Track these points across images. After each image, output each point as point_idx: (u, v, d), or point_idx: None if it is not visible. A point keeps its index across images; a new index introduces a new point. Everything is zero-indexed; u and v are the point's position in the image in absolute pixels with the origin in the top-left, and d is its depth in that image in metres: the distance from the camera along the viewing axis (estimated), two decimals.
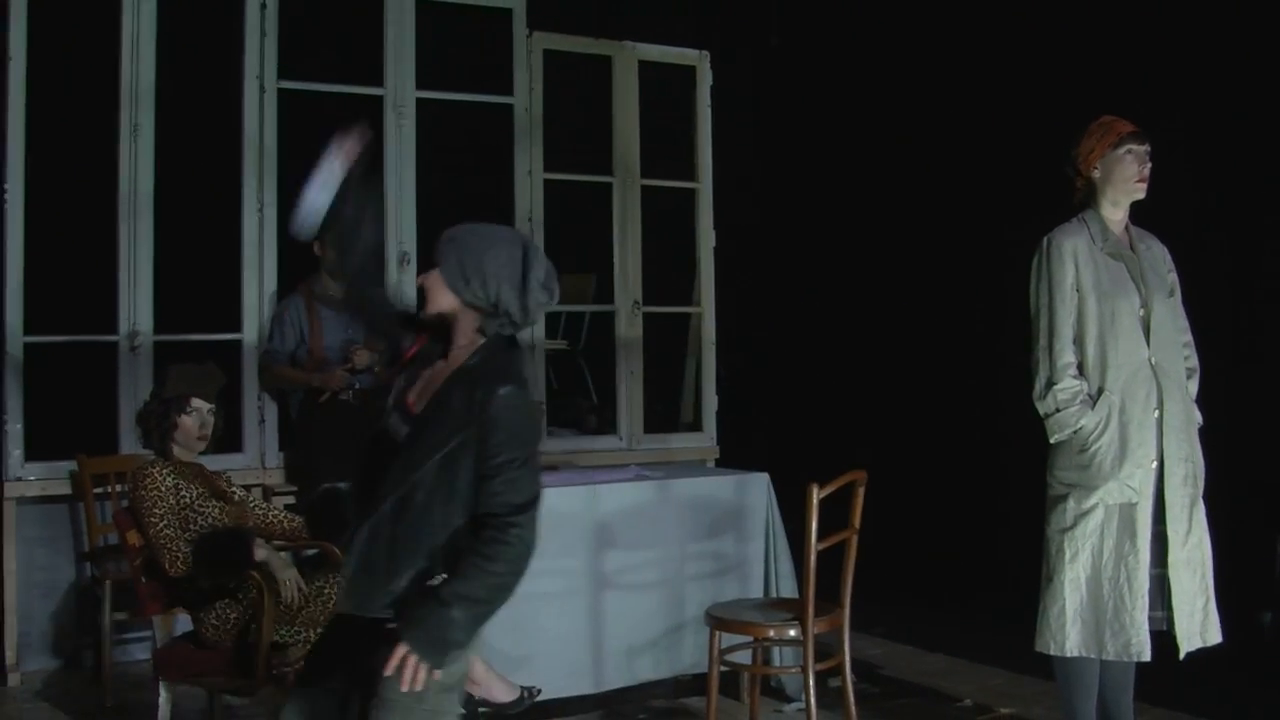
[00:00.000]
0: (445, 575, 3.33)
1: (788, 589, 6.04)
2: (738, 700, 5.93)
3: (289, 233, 3.85)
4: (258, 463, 7.29)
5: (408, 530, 3.33)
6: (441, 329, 3.54)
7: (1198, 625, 4.74)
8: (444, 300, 3.48)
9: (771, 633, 4.99)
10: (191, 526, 4.79)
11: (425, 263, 3.56)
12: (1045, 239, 4.85)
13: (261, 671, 4.62)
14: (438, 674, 3.27)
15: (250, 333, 7.27)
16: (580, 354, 9.62)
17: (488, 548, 3.30)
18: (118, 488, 6.46)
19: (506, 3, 8.14)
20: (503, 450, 3.32)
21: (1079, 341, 4.77)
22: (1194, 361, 4.96)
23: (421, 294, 3.54)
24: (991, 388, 7.97)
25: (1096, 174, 4.84)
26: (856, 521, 5.04)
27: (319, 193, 3.69)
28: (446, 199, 8.29)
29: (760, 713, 5.55)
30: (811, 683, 4.88)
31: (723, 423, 8.80)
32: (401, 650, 3.21)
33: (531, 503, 3.37)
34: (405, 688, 3.22)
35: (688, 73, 8.87)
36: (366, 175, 3.84)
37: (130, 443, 6.66)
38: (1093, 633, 4.71)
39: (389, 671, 3.22)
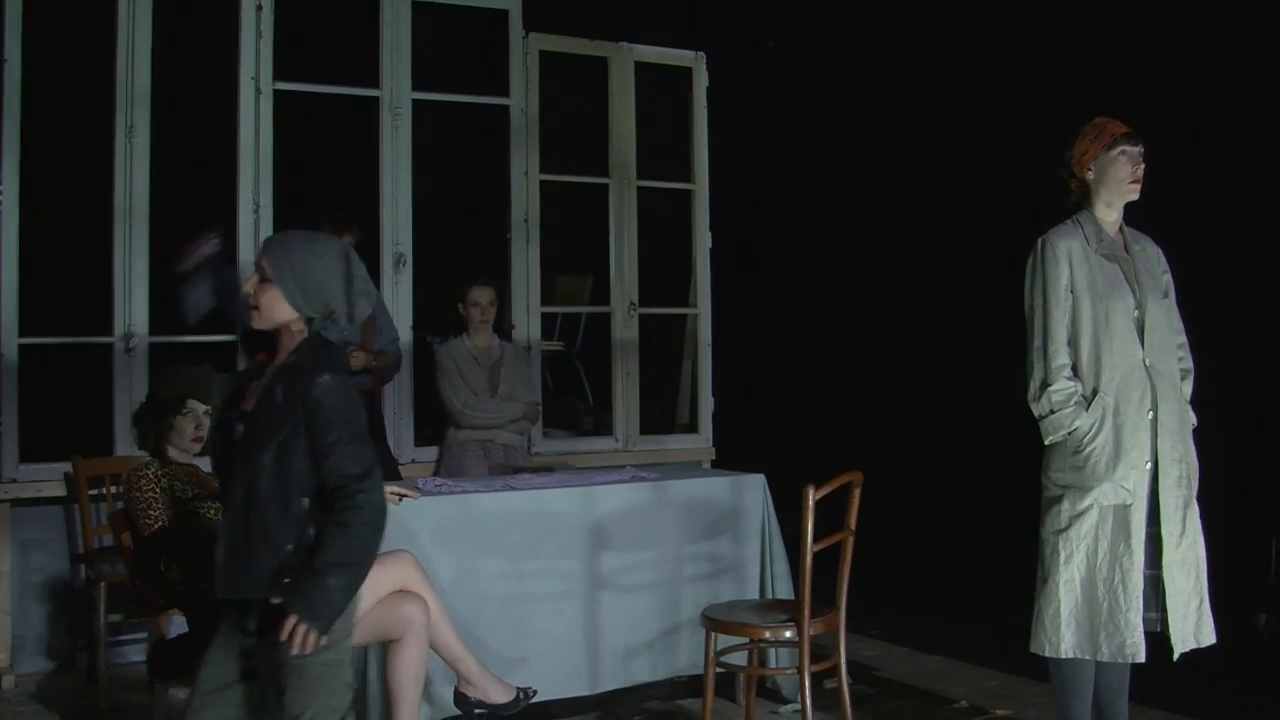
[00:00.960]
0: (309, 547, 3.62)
1: (784, 590, 6.05)
2: (734, 702, 5.92)
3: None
4: None
5: (257, 517, 3.60)
6: (270, 336, 3.80)
7: (1191, 626, 4.74)
8: (282, 313, 3.73)
9: (767, 634, 4.99)
10: (186, 528, 4.79)
11: (258, 273, 3.75)
12: (1040, 240, 4.86)
13: None
14: (324, 639, 3.56)
15: None
16: (576, 355, 9.63)
17: (342, 515, 3.57)
18: (113, 489, 6.46)
19: (502, 4, 8.14)
20: (329, 430, 3.59)
21: (1073, 343, 4.77)
22: (1188, 363, 4.96)
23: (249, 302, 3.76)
24: (986, 389, 7.99)
25: (1090, 175, 4.85)
26: (853, 523, 5.04)
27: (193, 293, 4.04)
28: (442, 201, 8.30)
29: (756, 714, 5.55)
30: (807, 684, 4.87)
31: (719, 424, 8.81)
32: (291, 620, 3.49)
33: (368, 472, 3.62)
34: (296, 651, 3.50)
35: (684, 74, 8.88)
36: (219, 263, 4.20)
37: (125, 444, 6.66)
38: (1088, 634, 4.71)
39: (284, 637, 3.50)
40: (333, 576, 3.53)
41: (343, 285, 3.74)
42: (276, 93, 7.41)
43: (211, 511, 4.88)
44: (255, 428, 3.63)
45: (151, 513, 4.76)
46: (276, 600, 3.57)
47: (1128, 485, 4.66)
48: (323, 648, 3.57)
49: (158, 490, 4.80)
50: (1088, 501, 4.70)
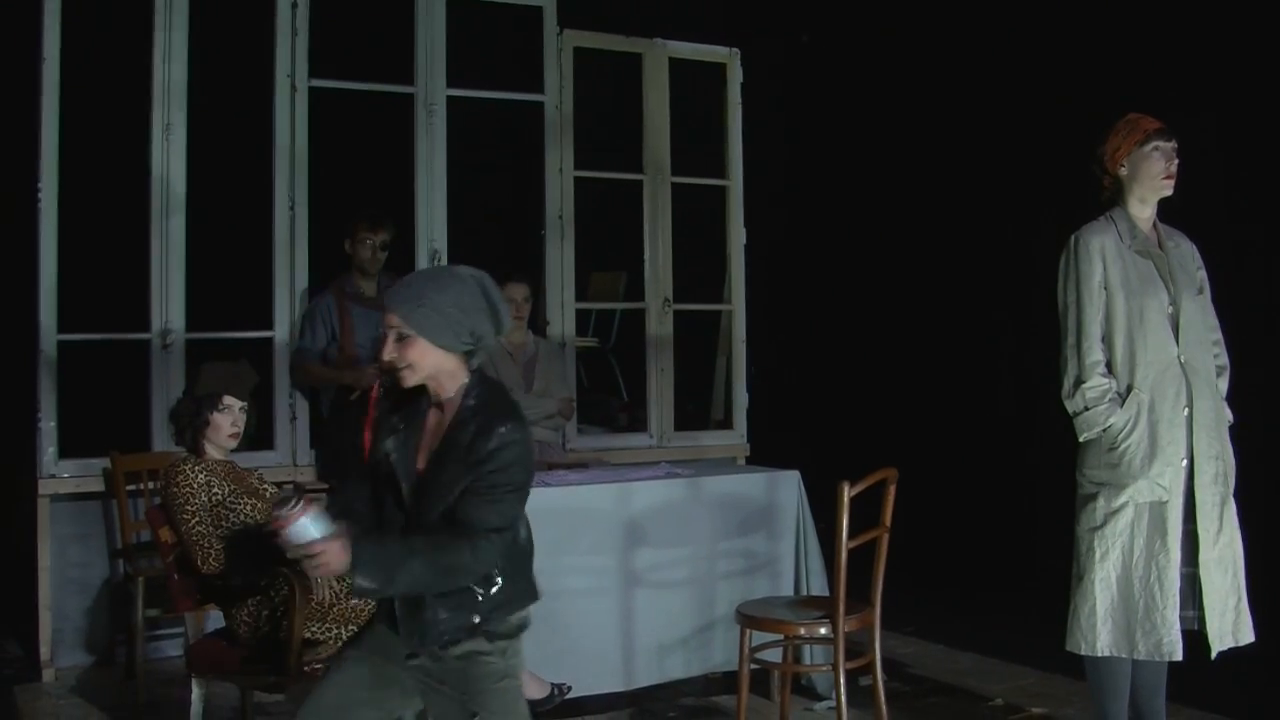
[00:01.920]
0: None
1: (818, 587, 6.04)
2: (768, 699, 5.92)
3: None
4: (289, 460, 7.31)
5: None
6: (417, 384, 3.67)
7: (1229, 624, 4.72)
8: (435, 359, 3.61)
9: (802, 631, 4.98)
10: (224, 524, 4.81)
11: (391, 335, 3.61)
12: (1073, 237, 4.85)
13: (293, 668, 4.64)
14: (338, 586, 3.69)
15: (282, 331, 7.30)
16: (611, 352, 9.64)
17: (466, 544, 3.48)
18: (150, 485, 6.50)
19: (537, 0, 8.14)
20: (495, 477, 3.52)
21: (1107, 339, 4.76)
22: (1224, 359, 4.94)
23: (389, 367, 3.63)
24: (1021, 386, 7.97)
25: (1124, 172, 4.83)
26: (887, 519, 5.02)
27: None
28: (477, 197, 8.31)
29: (791, 711, 5.54)
30: (842, 681, 4.87)
31: (753, 420, 8.79)
32: (342, 549, 3.38)
33: (504, 528, 3.55)
34: (314, 572, 3.48)
35: (718, 70, 8.86)
36: None
37: (163, 440, 6.70)
38: (1124, 632, 4.70)
39: (317, 556, 3.37)
40: (419, 564, 3.44)
41: (484, 308, 3.63)
42: (312, 90, 7.43)
43: (249, 508, 4.90)
44: (440, 471, 3.57)
45: (189, 508, 4.78)
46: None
47: (1163, 482, 4.65)
48: (509, 671, 3.62)
49: (195, 486, 4.82)
50: (1123, 499, 4.68)
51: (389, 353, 3.59)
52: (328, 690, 3.68)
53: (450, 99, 7.81)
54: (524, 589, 3.73)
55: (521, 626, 3.76)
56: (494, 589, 3.61)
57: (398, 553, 3.46)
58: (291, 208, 7.35)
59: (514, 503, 3.59)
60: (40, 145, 6.75)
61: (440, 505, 3.54)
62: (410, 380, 3.61)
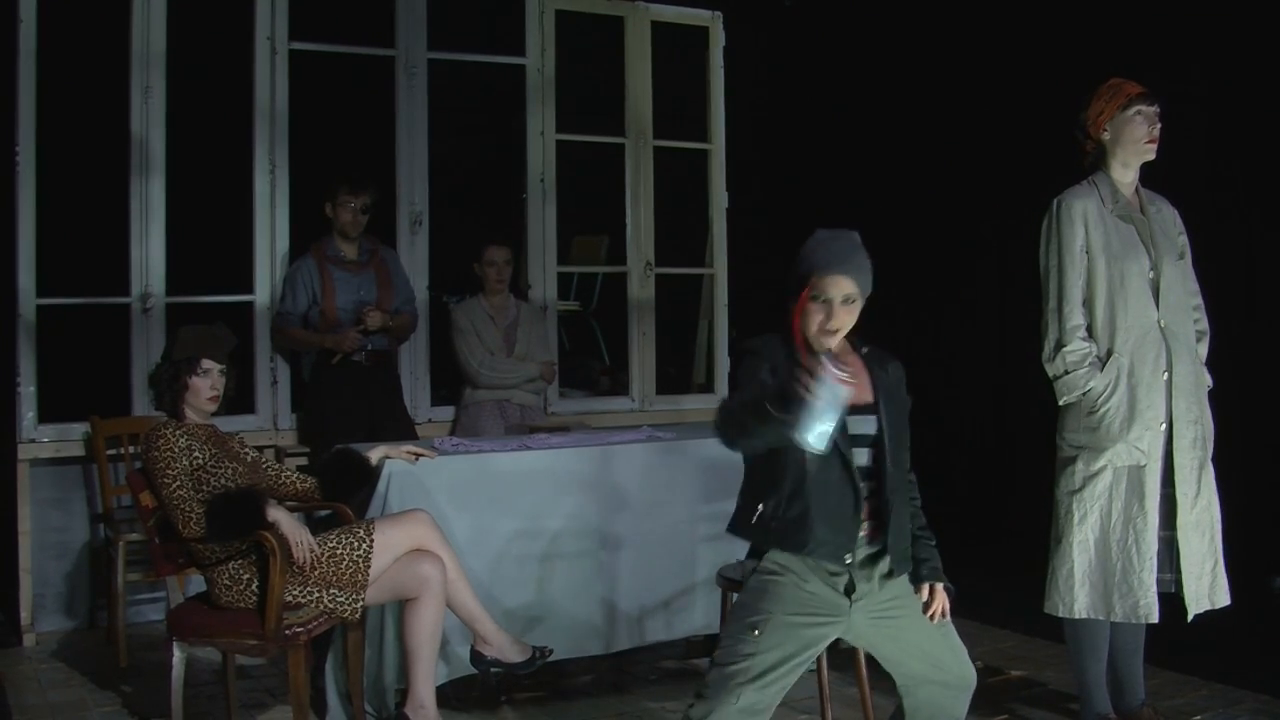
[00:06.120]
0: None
1: None
2: None
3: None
4: (270, 424, 7.31)
5: (899, 497, 3.87)
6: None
7: (1206, 588, 4.75)
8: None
9: None
10: (204, 488, 4.80)
11: (842, 301, 3.79)
12: (1055, 201, 4.85)
13: (272, 632, 4.64)
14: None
15: (262, 294, 7.29)
16: (592, 315, 9.62)
17: (916, 495, 4.03)
18: (131, 449, 6.49)
19: None
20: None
21: (1088, 304, 4.77)
22: (1204, 324, 4.96)
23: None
24: (1001, 349, 7.97)
25: (1106, 136, 4.83)
26: None
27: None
28: (458, 160, 8.28)
29: None
30: None
31: (734, 384, 8.78)
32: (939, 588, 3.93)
33: None
34: (940, 618, 3.95)
35: (700, 33, 8.83)
36: None
37: (143, 404, 6.69)
38: (1101, 595, 4.73)
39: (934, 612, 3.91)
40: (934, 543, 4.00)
41: None
42: (292, 53, 7.39)
43: (230, 471, 4.89)
44: (894, 417, 3.81)
45: (170, 472, 4.77)
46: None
47: (1142, 446, 4.67)
48: None
49: (175, 450, 4.80)
50: (1102, 462, 4.70)
51: (841, 322, 3.79)
52: None
53: (431, 62, 7.78)
54: None
55: None
56: None
57: (934, 553, 4.07)
58: (272, 170, 7.33)
59: None
60: (18, 108, 6.71)
61: (904, 443, 3.83)
62: (832, 343, 3.77)
